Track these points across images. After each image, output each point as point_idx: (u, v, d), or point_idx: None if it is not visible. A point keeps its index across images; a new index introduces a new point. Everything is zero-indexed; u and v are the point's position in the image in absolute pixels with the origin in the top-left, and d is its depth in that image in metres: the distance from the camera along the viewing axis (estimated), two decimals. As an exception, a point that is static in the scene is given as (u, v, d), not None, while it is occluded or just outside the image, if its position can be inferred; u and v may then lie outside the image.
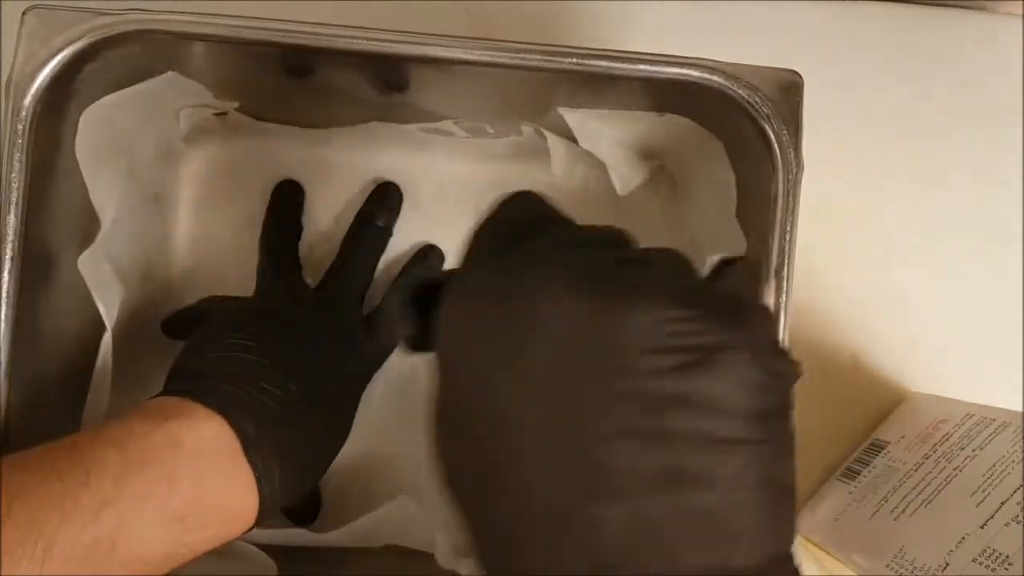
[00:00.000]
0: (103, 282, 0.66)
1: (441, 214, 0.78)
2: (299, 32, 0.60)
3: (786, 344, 0.60)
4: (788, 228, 0.61)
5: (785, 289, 0.61)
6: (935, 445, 0.71)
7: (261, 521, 0.56)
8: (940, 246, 0.82)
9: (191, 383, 0.57)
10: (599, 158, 0.73)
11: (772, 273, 0.61)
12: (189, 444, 0.52)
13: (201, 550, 0.53)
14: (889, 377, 0.80)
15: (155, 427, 0.52)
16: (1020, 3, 0.82)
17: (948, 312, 0.81)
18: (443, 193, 0.78)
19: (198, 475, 0.52)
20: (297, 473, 0.58)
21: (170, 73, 0.65)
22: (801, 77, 0.61)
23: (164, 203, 0.75)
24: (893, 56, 0.82)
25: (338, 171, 0.78)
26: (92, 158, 0.64)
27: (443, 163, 0.78)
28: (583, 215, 0.74)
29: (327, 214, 0.78)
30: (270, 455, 0.55)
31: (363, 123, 0.74)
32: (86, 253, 0.65)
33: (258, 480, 0.54)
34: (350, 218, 0.77)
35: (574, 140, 0.73)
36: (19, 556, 0.45)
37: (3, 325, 0.58)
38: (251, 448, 0.54)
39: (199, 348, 0.62)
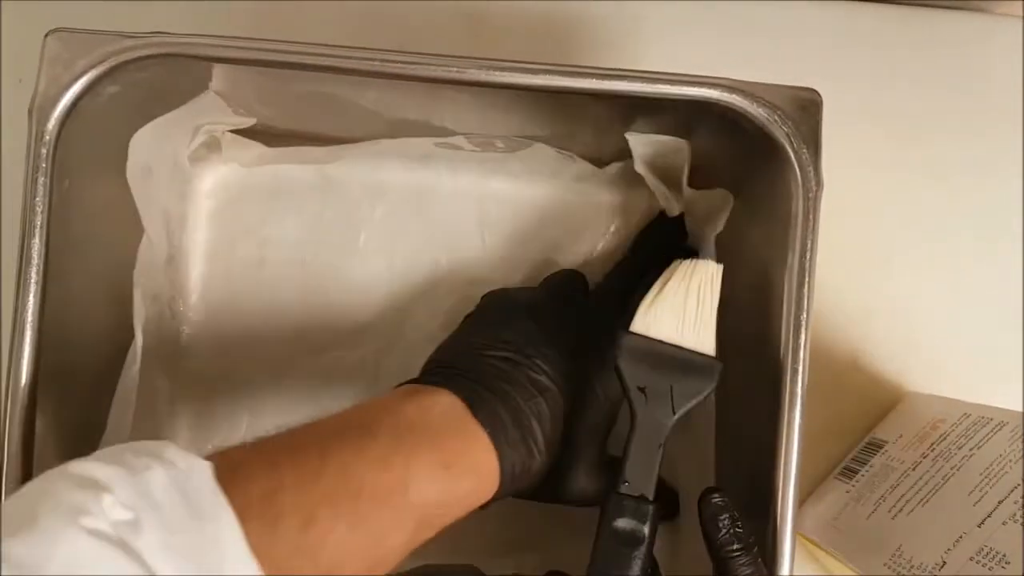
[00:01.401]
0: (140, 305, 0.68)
1: (450, 227, 0.78)
2: (319, 54, 0.60)
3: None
4: (808, 246, 0.61)
5: (806, 307, 0.61)
6: (933, 444, 0.71)
7: (506, 486, 0.62)
8: (940, 246, 0.82)
9: (435, 376, 0.65)
10: (651, 184, 0.74)
11: (793, 290, 0.61)
12: (435, 411, 0.61)
13: (464, 505, 0.60)
14: (888, 376, 0.81)
15: (406, 399, 0.61)
16: (1020, 3, 0.82)
17: (948, 312, 0.82)
18: (451, 206, 0.78)
19: (447, 433, 0.60)
20: (536, 447, 0.64)
21: (211, 93, 0.66)
22: (820, 95, 0.62)
23: (172, 223, 0.75)
24: (893, 57, 0.83)
25: (347, 186, 0.78)
26: (141, 179, 0.65)
27: (449, 177, 0.78)
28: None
29: (337, 229, 0.78)
30: (499, 422, 0.62)
31: (373, 139, 0.74)
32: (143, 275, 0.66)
33: (493, 438, 0.61)
34: (359, 233, 0.78)
35: (594, 161, 0.75)
36: (340, 498, 0.53)
37: (27, 348, 0.58)
38: (479, 412, 0.61)
39: (458, 343, 0.69)
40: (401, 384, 0.65)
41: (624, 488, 0.61)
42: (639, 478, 0.61)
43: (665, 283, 0.63)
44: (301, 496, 0.52)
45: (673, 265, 0.64)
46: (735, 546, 0.60)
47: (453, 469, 0.59)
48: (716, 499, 0.61)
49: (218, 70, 0.63)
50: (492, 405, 0.62)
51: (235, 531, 0.47)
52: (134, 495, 0.45)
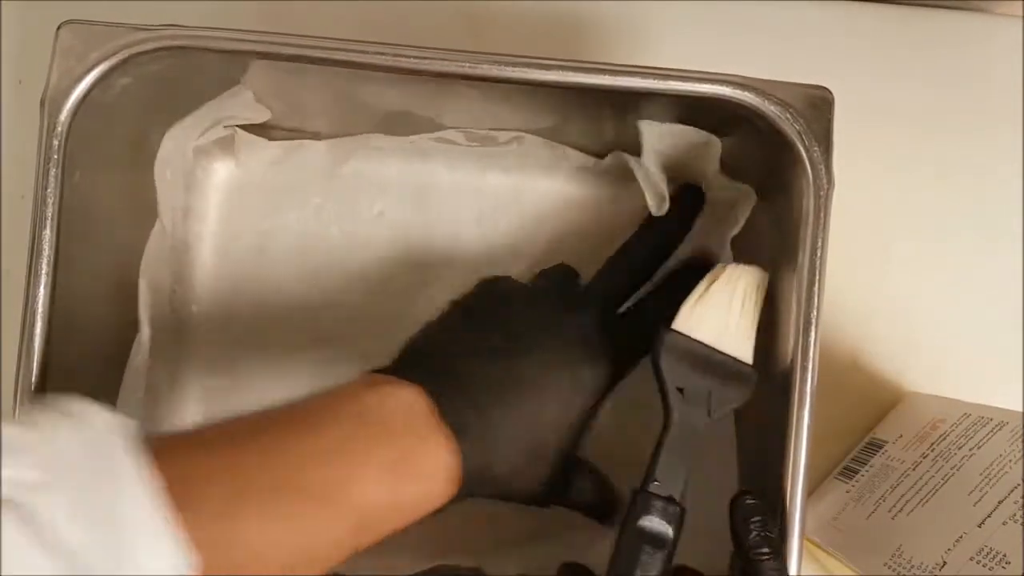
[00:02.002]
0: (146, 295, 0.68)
1: (448, 221, 0.79)
2: (331, 48, 0.61)
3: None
4: (819, 244, 0.61)
5: (816, 305, 0.61)
6: (933, 444, 0.72)
7: (469, 489, 0.60)
8: (939, 246, 0.82)
9: (407, 365, 0.63)
10: (653, 175, 0.73)
11: (803, 288, 0.61)
12: (393, 406, 0.58)
13: (417, 509, 0.58)
14: (888, 376, 0.81)
15: (367, 391, 0.58)
16: (1019, 3, 0.82)
17: (947, 312, 0.82)
18: (450, 200, 0.79)
19: (403, 431, 0.57)
20: (505, 447, 0.61)
21: (237, 88, 0.66)
22: (831, 94, 0.62)
23: (177, 214, 0.75)
24: (892, 56, 0.83)
25: (348, 180, 0.78)
26: (163, 171, 0.66)
27: (448, 172, 0.78)
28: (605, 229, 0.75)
29: (338, 222, 0.78)
30: (466, 422, 0.59)
31: (369, 133, 0.75)
32: (150, 266, 0.66)
33: (458, 439, 0.58)
34: (360, 227, 0.78)
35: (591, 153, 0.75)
36: (263, 490, 0.51)
37: (38, 339, 0.59)
38: (447, 410, 0.59)
39: (441, 332, 0.66)
40: (373, 370, 0.63)
41: (654, 487, 0.60)
42: (669, 479, 0.60)
43: (711, 284, 0.63)
44: (223, 485, 0.50)
45: (719, 267, 0.64)
46: (764, 549, 0.59)
47: (404, 470, 0.57)
48: (749, 501, 0.61)
49: (232, 63, 0.63)
50: (459, 404, 0.60)
51: (149, 500, 0.44)
52: (43, 456, 0.43)
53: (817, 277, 0.61)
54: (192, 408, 0.77)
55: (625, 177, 0.76)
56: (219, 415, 0.55)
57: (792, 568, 0.61)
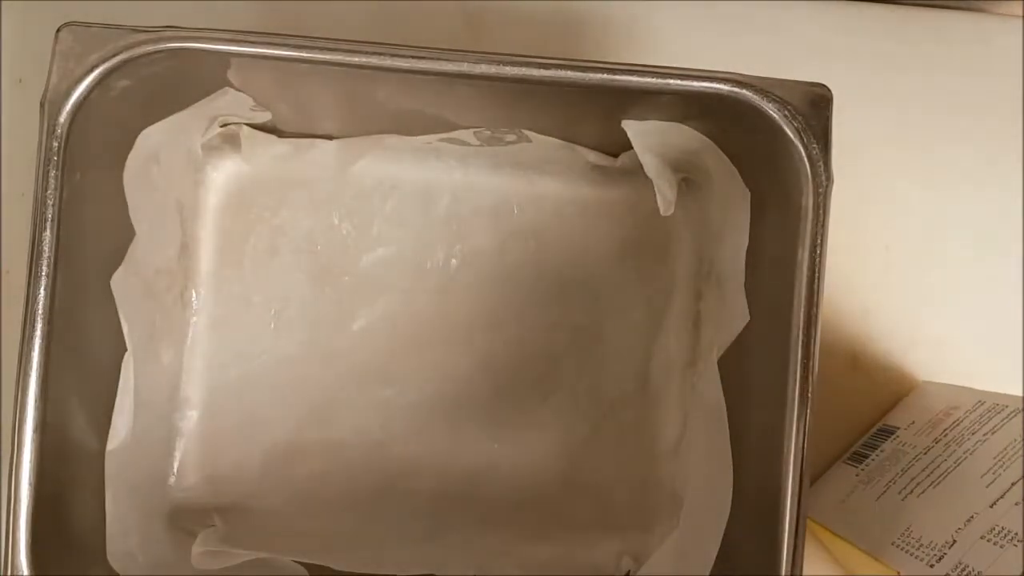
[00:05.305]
0: (131, 299, 0.67)
1: (460, 221, 0.78)
2: (329, 48, 0.61)
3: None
4: (819, 241, 0.62)
5: (816, 302, 0.62)
6: (945, 430, 0.71)
7: None
8: (942, 245, 0.82)
9: None
10: (648, 174, 0.73)
11: (803, 285, 0.62)
12: None
13: None
14: (899, 367, 0.81)
15: None
16: (1020, 3, 0.82)
17: (960, 301, 0.82)
18: (462, 200, 0.78)
19: None
20: None
21: (225, 89, 0.66)
22: (830, 91, 0.62)
23: (186, 212, 0.75)
24: (892, 56, 0.83)
25: (359, 178, 0.78)
26: (134, 174, 0.65)
27: (460, 171, 0.78)
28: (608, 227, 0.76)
29: (349, 220, 0.78)
30: None
31: (378, 134, 0.75)
32: (120, 272, 0.65)
33: None
34: (371, 226, 0.78)
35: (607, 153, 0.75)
36: None
37: (38, 341, 0.59)
38: None
39: None
40: None
41: None
42: None
43: None
44: None
45: None
46: None
47: None
48: None
49: (231, 64, 0.63)
50: None
51: None
52: None
53: (817, 274, 0.62)
54: (200, 406, 0.77)
55: (638, 175, 0.76)
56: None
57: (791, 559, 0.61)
